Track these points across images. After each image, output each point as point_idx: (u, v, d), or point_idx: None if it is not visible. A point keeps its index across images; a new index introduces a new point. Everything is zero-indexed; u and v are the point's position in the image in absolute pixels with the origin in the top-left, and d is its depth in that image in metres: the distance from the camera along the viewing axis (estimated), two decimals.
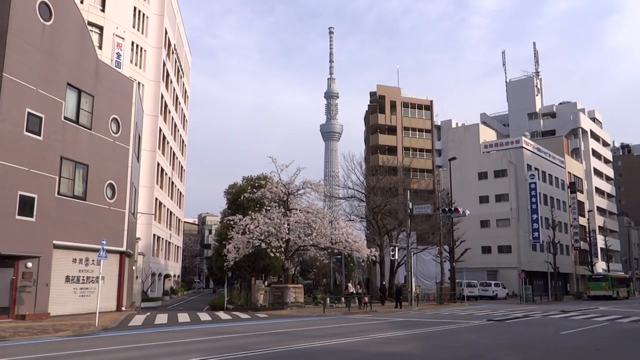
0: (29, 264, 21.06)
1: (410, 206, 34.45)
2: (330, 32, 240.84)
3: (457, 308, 32.54)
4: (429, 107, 75.61)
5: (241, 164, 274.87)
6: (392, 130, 72.71)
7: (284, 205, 32.71)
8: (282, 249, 31.78)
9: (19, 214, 20.64)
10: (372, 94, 74.75)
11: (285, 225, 31.16)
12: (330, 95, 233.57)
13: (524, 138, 63.21)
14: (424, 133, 74.75)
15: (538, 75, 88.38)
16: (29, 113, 21.21)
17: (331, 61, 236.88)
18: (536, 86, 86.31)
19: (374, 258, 36.58)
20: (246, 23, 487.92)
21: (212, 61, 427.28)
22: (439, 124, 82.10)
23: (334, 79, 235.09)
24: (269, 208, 32.28)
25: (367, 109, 76.78)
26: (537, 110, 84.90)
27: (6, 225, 20.12)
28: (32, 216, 21.24)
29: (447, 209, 36.78)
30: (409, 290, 34.11)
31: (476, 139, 64.45)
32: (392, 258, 38.61)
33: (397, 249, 37.08)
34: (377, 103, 73.20)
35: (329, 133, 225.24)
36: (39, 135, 21.70)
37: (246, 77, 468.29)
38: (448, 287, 41.07)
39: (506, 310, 29.23)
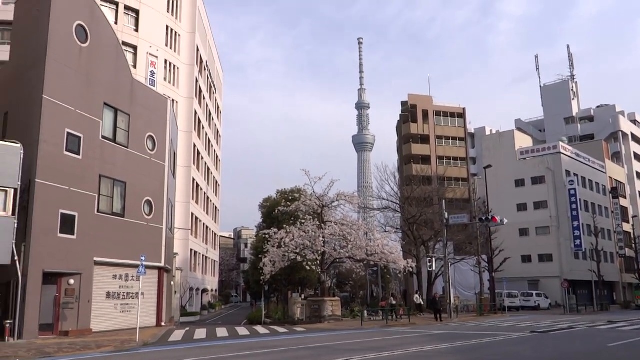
0: (71, 281, 21.47)
1: (447, 216, 33.92)
2: (360, 43, 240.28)
3: (498, 319, 31.77)
4: (461, 115, 74.76)
5: (274, 177, 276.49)
6: (425, 139, 72.11)
7: (318, 217, 32.60)
8: (318, 261, 31.66)
9: (60, 232, 21.10)
10: (404, 104, 74.37)
11: (321, 238, 31.05)
12: (361, 106, 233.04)
13: (561, 143, 61.80)
14: (457, 141, 73.90)
15: (573, 79, 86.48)
16: (68, 133, 21.73)
17: (361, 72, 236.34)
18: (572, 90, 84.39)
19: (410, 269, 36.10)
20: (272, 38, 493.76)
21: (242, 77, 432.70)
22: (473, 131, 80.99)
23: (364, 90, 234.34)
24: (303, 221, 32.22)
25: (399, 119, 76.37)
26: (574, 114, 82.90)
27: (49, 244, 20.60)
28: (73, 234, 21.67)
29: (484, 218, 36.10)
30: (447, 301, 33.52)
31: (511, 146, 63.40)
32: (429, 269, 38.10)
33: (434, 259, 36.56)
34: (409, 112, 72.77)
35: (361, 144, 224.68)
36: (78, 154, 22.21)
37: (275, 91, 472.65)
38: (488, 298, 40.20)
39: (550, 322, 28.40)
